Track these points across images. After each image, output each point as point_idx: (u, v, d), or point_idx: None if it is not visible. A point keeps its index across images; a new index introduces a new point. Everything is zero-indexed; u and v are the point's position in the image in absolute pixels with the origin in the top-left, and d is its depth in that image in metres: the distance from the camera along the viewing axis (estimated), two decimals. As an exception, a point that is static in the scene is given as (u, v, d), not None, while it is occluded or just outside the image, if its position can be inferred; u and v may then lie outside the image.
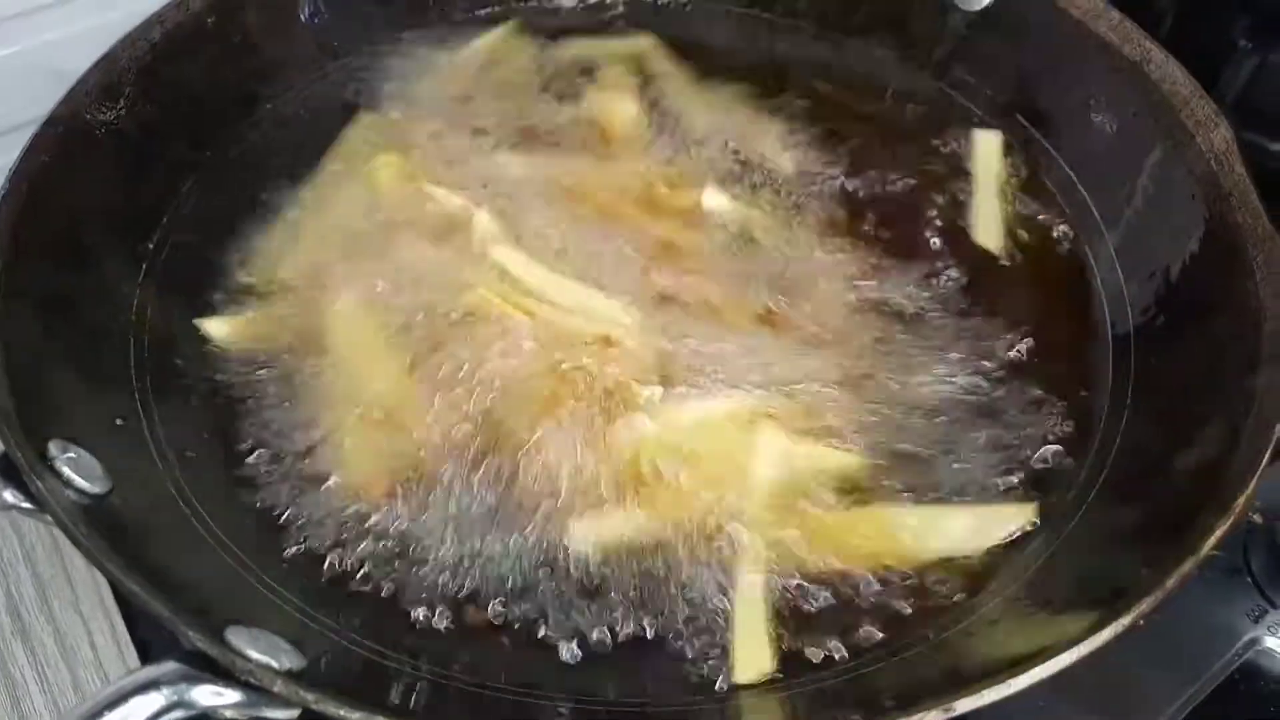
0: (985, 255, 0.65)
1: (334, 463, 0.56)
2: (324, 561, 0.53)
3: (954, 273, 0.64)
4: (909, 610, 0.51)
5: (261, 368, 0.59)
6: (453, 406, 0.57)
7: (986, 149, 0.69)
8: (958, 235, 0.66)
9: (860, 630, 0.51)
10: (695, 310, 0.61)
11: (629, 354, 0.59)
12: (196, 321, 0.60)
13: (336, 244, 0.65)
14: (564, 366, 0.58)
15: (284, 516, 0.54)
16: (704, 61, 0.75)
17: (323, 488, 0.55)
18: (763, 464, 0.55)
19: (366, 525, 0.53)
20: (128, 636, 0.60)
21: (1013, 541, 0.53)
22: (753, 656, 0.49)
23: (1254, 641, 0.56)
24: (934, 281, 0.63)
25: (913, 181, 0.68)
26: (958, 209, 0.67)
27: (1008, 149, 0.69)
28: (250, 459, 0.56)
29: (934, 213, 0.67)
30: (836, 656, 0.50)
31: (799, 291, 0.63)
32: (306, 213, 0.67)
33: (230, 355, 0.60)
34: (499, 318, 0.60)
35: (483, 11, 0.78)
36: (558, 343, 0.59)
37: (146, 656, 0.60)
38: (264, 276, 0.63)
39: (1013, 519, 0.54)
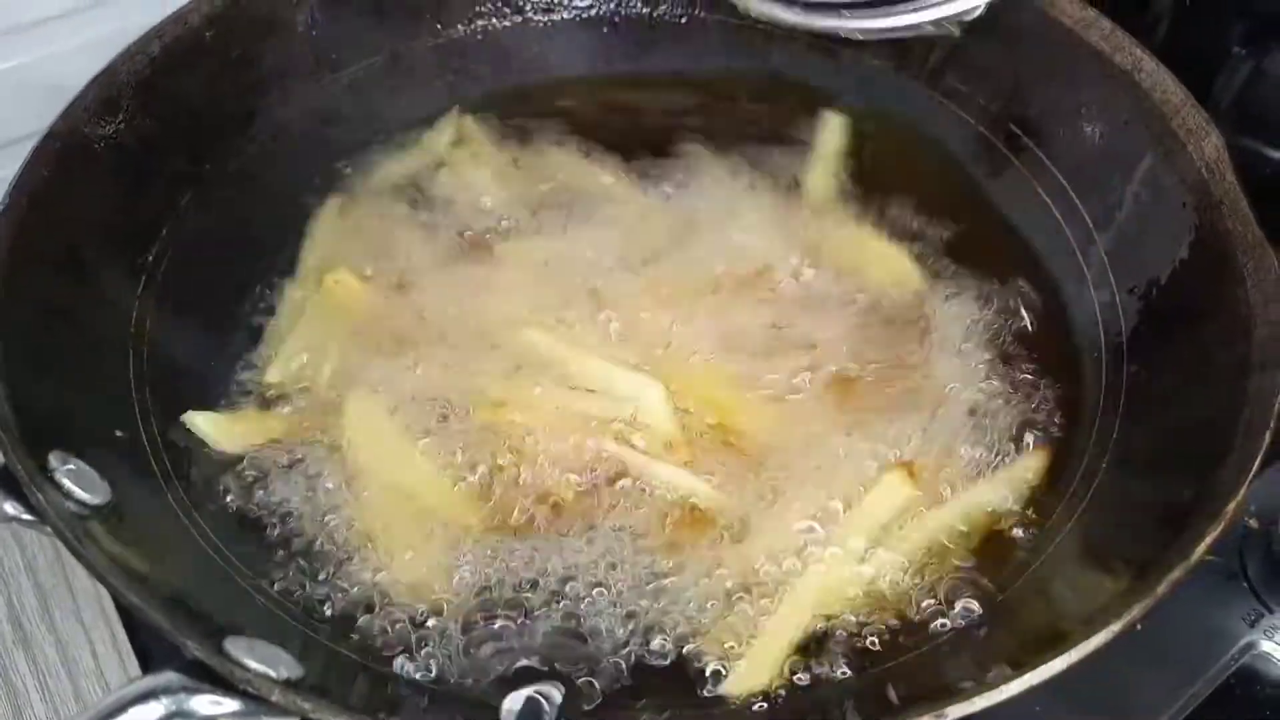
0: (979, 268, 0.66)
1: (382, 566, 0.54)
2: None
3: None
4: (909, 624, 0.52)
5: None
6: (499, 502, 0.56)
7: (830, 127, 0.73)
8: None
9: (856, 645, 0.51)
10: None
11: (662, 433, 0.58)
12: (185, 417, 0.57)
13: (328, 349, 0.62)
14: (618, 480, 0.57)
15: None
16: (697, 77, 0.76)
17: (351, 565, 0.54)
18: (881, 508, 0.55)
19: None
20: (129, 645, 0.60)
21: (1003, 547, 0.54)
22: (753, 676, 0.50)
23: (1250, 646, 0.56)
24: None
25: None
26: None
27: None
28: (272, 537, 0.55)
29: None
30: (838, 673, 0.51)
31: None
32: (290, 317, 0.64)
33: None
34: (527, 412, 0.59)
35: (480, 24, 0.78)
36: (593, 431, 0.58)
37: (148, 665, 0.60)
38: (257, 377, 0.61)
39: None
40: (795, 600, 0.52)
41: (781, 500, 0.56)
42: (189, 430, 0.58)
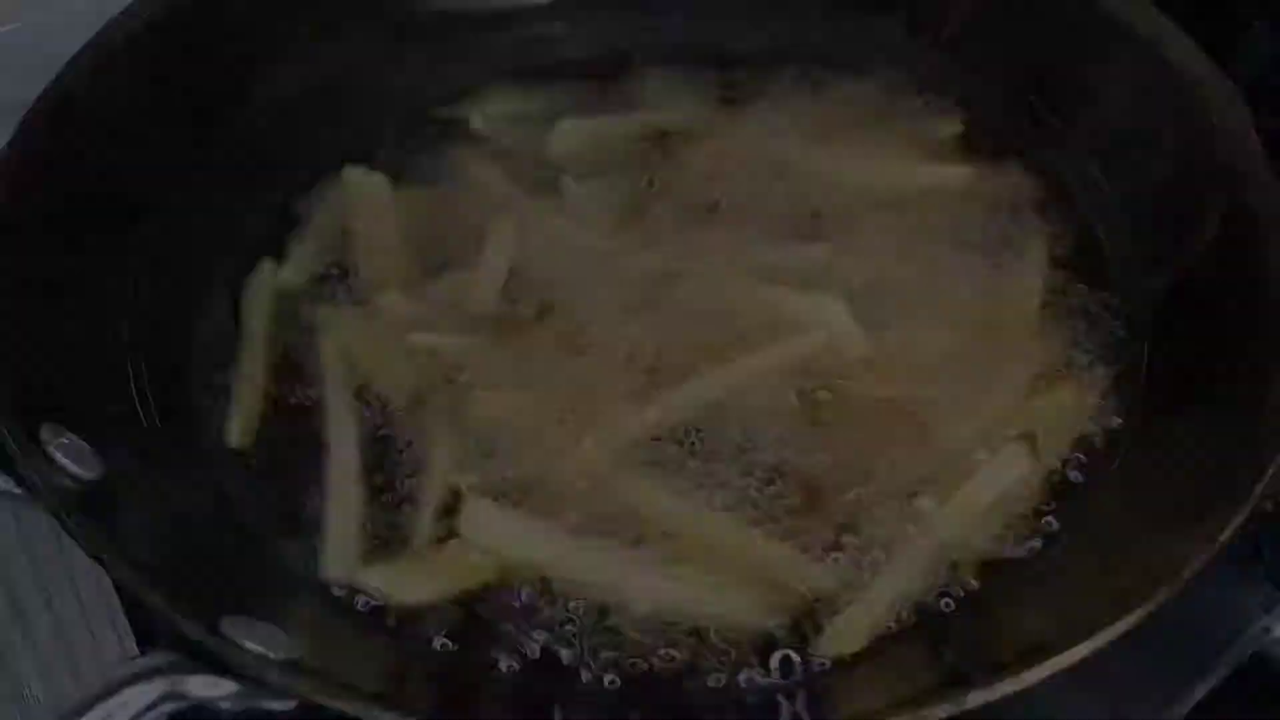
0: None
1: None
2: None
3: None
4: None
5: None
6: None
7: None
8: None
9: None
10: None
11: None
12: (363, 573, 0.52)
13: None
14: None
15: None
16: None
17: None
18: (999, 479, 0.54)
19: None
20: (127, 624, 0.60)
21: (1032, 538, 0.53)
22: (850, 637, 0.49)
23: (1266, 631, 0.55)
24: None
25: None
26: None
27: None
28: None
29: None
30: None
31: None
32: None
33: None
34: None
35: (484, -11, 0.77)
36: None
37: (148, 645, 0.59)
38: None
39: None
40: (901, 566, 0.51)
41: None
42: (185, 411, 0.57)
